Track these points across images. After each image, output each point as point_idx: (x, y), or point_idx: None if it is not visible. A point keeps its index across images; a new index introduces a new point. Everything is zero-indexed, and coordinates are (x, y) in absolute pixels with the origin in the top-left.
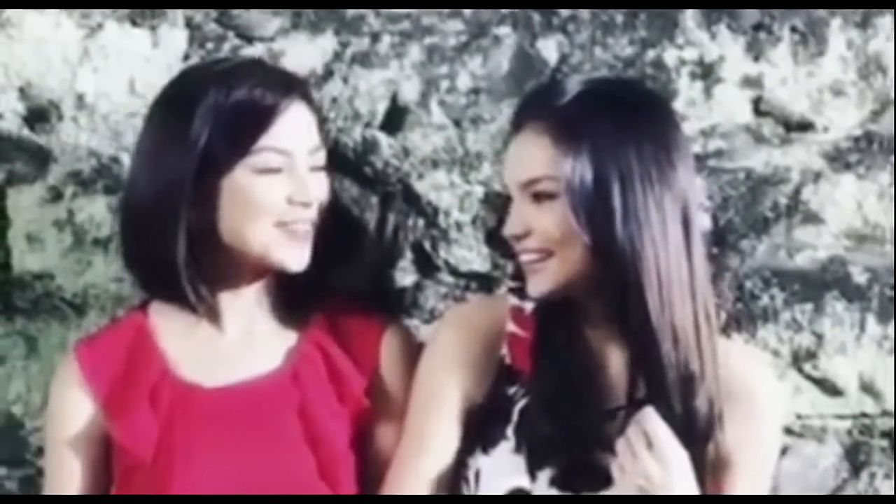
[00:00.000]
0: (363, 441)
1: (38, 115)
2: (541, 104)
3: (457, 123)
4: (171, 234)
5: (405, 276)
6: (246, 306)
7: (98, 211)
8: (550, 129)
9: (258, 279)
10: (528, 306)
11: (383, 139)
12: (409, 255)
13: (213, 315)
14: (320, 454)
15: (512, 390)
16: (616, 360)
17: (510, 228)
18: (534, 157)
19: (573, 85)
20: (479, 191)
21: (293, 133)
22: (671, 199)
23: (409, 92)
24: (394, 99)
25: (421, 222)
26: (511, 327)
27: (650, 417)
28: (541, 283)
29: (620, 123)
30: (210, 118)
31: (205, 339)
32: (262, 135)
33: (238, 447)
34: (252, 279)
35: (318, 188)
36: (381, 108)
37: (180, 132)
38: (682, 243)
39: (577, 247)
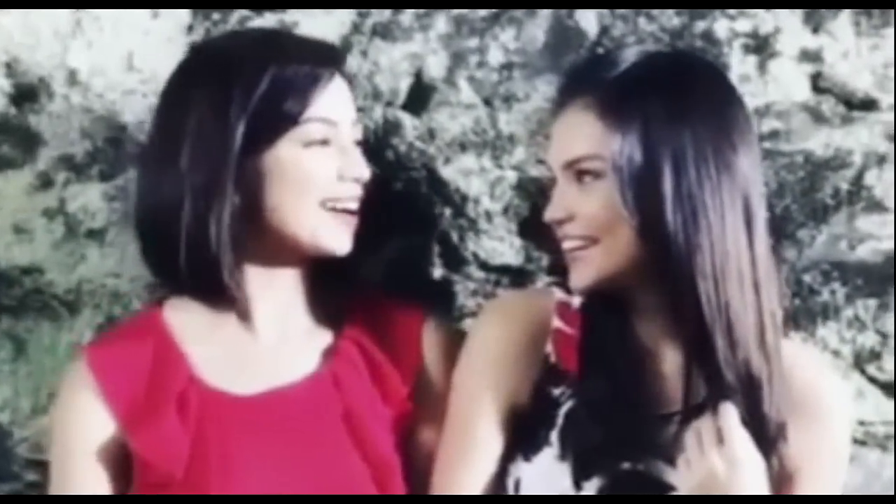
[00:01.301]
0: (408, 443)
1: (27, 94)
2: (589, 77)
3: (487, 102)
4: (216, 218)
5: (431, 269)
6: (281, 301)
7: (92, 199)
8: (598, 103)
9: (296, 268)
10: (576, 301)
11: (407, 120)
12: (434, 247)
13: (246, 312)
14: (369, 460)
15: (557, 392)
16: (672, 361)
17: (551, 212)
18: (579, 133)
19: (626, 56)
20: (511, 176)
21: (338, 103)
22: (730, 186)
23: (435, 67)
24: (418, 75)
25: (448, 211)
26: (557, 323)
27: (727, 413)
28: (584, 274)
29: (676, 100)
30: (253, 89)
31: (233, 340)
32: (308, 105)
33: (279, 458)
34: (290, 268)
35: (365, 164)
36: (404, 85)
37: (220, 106)
38: (743, 233)
39: (623, 232)
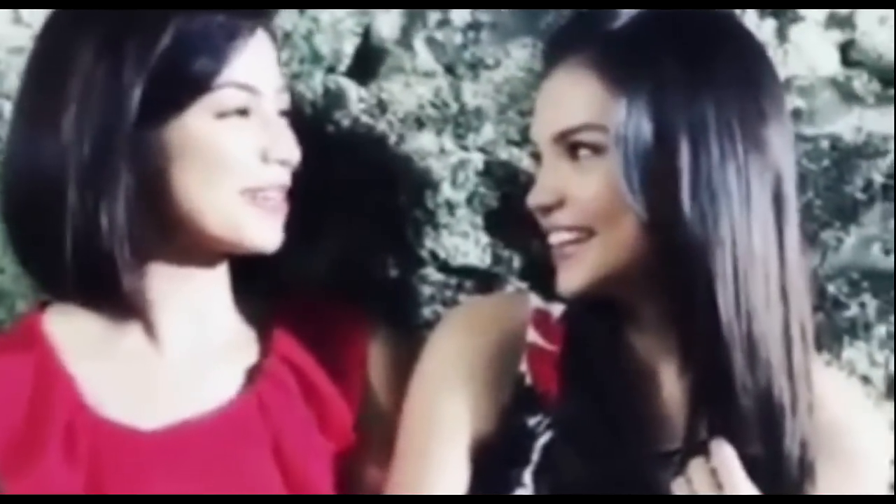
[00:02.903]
0: (350, 483)
1: None
2: (586, 30)
3: (449, 70)
4: (107, 205)
5: (380, 271)
6: (192, 309)
7: None
8: (598, 62)
9: (211, 268)
10: (556, 310)
11: (352, 89)
12: (384, 244)
13: (149, 323)
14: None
15: (533, 421)
16: (673, 385)
17: (537, 196)
18: (574, 97)
19: (630, 11)
20: (477, 159)
21: (260, 65)
22: (760, 167)
23: (387, 27)
24: (366, 35)
25: (401, 200)
26: (533, 337)
27: (722, 452)
28: (576, 274)
29: (695, 59)
30: (152, 44)
31: (133, 357)
32: (223, 66)
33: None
34: (203, 268)
35: (294, 142)
36: (349, 47)
37: (111, 63)
38: (773, 225)
39: (626, 223)
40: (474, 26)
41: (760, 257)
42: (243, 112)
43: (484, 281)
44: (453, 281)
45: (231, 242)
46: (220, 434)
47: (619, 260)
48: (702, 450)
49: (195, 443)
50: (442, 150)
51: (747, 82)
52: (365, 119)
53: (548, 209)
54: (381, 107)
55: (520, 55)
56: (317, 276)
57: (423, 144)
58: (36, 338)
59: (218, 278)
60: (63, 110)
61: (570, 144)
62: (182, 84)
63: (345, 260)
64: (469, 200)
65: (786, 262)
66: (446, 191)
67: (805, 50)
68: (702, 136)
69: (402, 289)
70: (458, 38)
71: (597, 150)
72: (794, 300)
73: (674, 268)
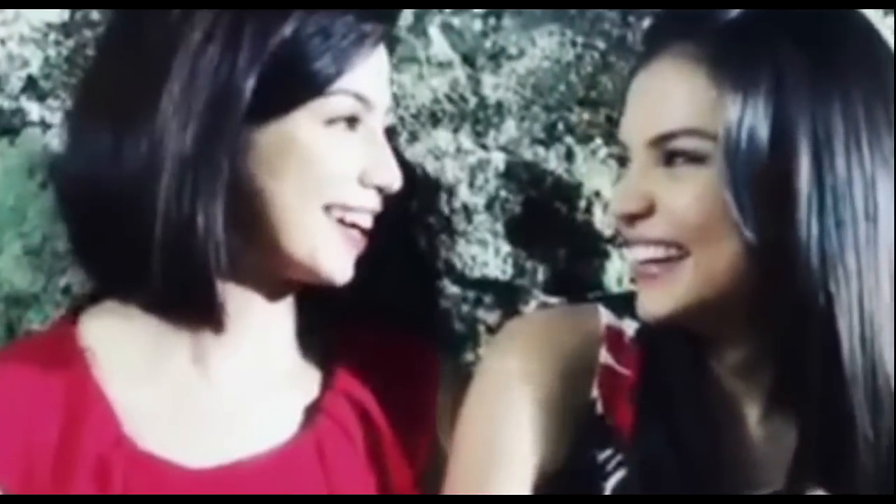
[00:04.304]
0: None
1: None
2: (694, 19)
3: (468, 60)
4: (205, 204)
5: (388, 282)
6: (251, 336)
7: None
8: (708, 55)
9: (275, 296)
10: (629, 327)
11: None
12: (395, 253)
13: (202, 346)
14: None
15: (603, 456)
16: (759, 427)
17: (623, 203)
18: (678, 97)
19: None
20: (498, 159)
21: (376, 79)
22: (887, 185)
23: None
24: None
25: (413, 205)
26: (605, 358)
27: None
28: (662, 299)
29: (821, 56)
30: (269, 35)
31: (181, 383)
32: (344, 71)
33: None
34: (268, 295)
35: (397, 170)
36: None
37: (224, 48)
38: None
39: (727, 243)
40: (495, 12)
41: (888, 293)
42: (352, 122)
43: (505, 295)
44: (471, 295)
45: (304, 264)
46: (270, 479)
47: (714, 286)
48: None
49: (243, 487)
50: (459, 149)
51: (876, 86)
52: None
53: (633, 218)
54: (392, 101)
55: (546, 44)
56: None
57: (438, 142)
58: (72, 352)
59: (283, 308)
60: (160, 92)
61: (668, 152)
62: (298, 82)
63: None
64: (489, 205)
65: None
66: (463, 194)
67: None
68: (826, 145)
69: (414, 303)
70: (477, 25)
71: (698, 160)
72: None
73: (782, 301)
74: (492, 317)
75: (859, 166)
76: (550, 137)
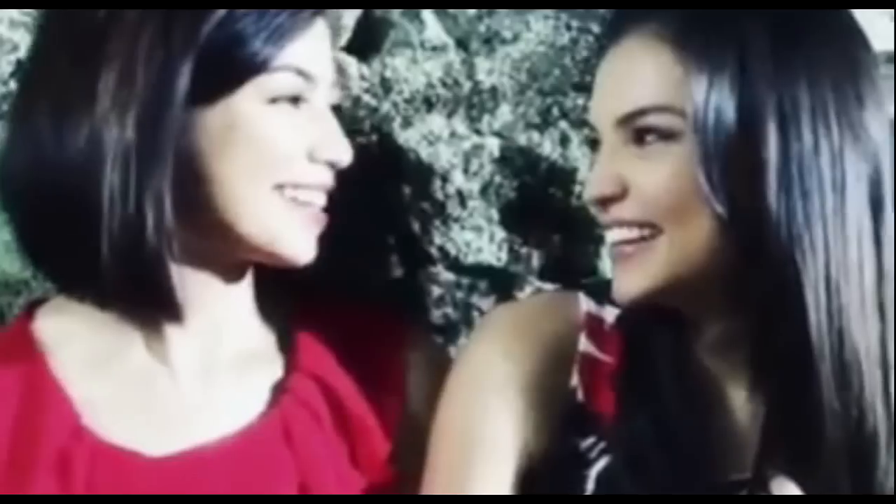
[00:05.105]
0: None
1: None
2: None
3: (462, 44)
4: (153, 193)
5: (381, 269)
6: (210, 321)
7: None
8: (674, 33)
9: (233, 278)
10: (609, 314)
11: (352, 66)
12: (388, 239)
13: (161, 334)
14: None
15: (586, 444)
16: (742, 409)
17: (594, 186)
18: (643, 75)
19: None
20: (493, 145)
21: (317, 54)
22: (856, 158)
23: None
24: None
25: (406, 190)
26: (585, 345)
27: (785, 492)
28: (636, 279)
29: (787, 32)
30: (205, 18)
31: (140, 372)
32: (282, 48)
33: None
34: (225, 278)
35: (346, 144)
36: (349, 19)
37: (159, 32)
38: (869, 229)
39: (699, 220)
40: None
41: (855, 264)
42: (296, 100)
43: (499, 281)
44: (465, 281)
45: (263, 248)
46: (236, 462)
47: (688, 263)
48: (770, 481)
49: (209, 472)
50: (453, 135)
51: (844, 61)
52: (367, 99)
53: (606, 201)
54: (385, 86)
55: (541, 28)
56: (312, 275)
57: (432, 128)
58: (27, 346)
59: (241, 290)
60: (97, 80)
61: (637, 129)
62: (236, 62)
63: (342, 257)
64: (483, 191)
65: (883, 271)
66: (458, 180)
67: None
68: (793, 119)
69: (408, 290)
70: (471, 9)
71: (668, 136)
72: (892, 315)
73: (755, 274)
74: (486, 303)
75: (826, 138)
76: (545, 122)
